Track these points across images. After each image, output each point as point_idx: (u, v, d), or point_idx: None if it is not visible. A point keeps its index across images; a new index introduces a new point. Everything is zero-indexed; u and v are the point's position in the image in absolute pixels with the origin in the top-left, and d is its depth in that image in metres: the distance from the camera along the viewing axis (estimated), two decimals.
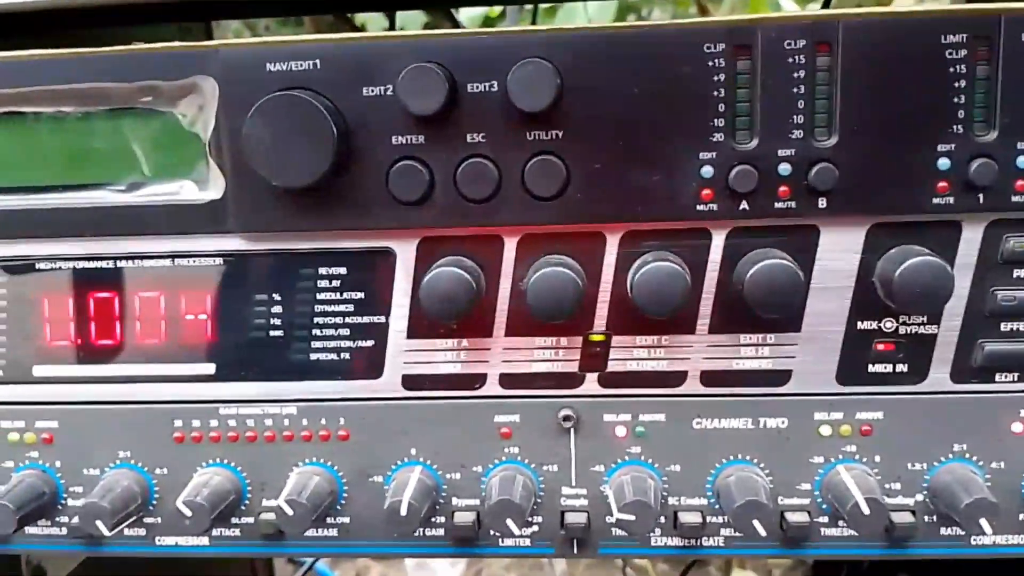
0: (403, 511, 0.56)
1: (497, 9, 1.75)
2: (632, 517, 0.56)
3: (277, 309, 0.59)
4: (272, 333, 0.59)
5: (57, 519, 0.63)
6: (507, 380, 0.59)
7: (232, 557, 1.35)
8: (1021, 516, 0.58)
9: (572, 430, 0.59)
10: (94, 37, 0.61)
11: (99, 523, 0.57)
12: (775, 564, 2.48)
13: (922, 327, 0.57)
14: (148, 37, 0.76)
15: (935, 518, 0.59)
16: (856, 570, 1.50)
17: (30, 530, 0.63)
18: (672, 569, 2.52)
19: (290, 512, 0.57)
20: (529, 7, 1.59)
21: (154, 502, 0.62)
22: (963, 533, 0.59)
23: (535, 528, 0.60)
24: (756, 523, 0.55)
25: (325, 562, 2.51)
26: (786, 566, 2.42)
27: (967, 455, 0.57)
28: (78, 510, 0.60)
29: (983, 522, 0.54)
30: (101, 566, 1.00)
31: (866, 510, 0.54)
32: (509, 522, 0.56)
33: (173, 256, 0.59)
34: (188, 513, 0.57)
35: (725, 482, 0.58)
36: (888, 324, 0.57)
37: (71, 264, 0.60)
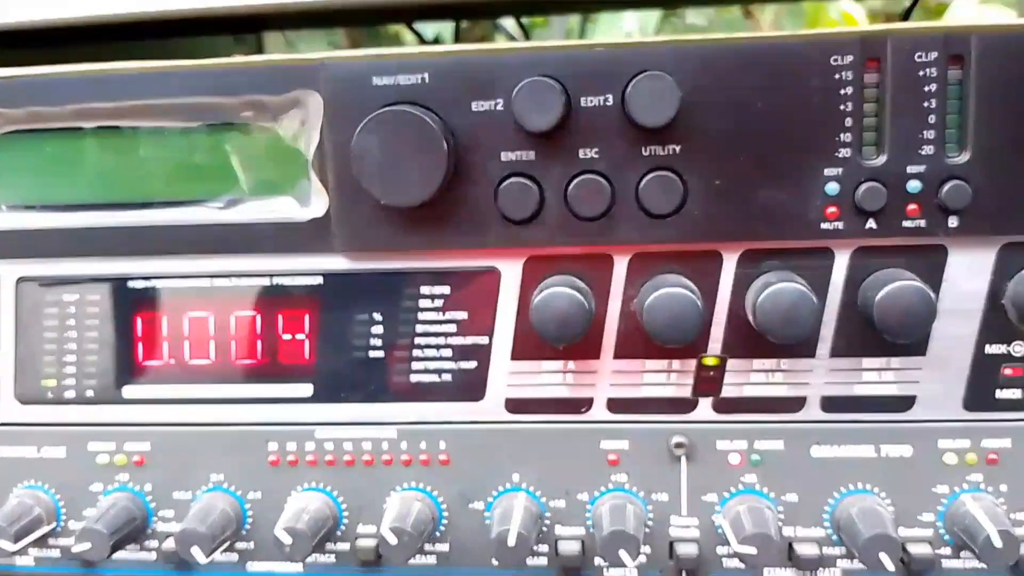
0: (511, 541, 0.54)
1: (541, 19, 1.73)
2: (753, 550, 0.53)
3: (377, 329, 0.57)
4: (372, 354, 0.58)
5: (146, 544, 0.61)
6: (615, 404, 0.57)
7: None
8: None
9: (684, 457, 0.57)
10: (149, 49, 0.59)
11: (196, 549, 0.56)
12: None
13: None
14: (202, 50, 0.75)
15: None
16: None
17: (118, 556, 0.61)
18: None
19: (394, 541, 0.55)
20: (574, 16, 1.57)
21: (247, 527, 0.60)
22: None
23: (642, 559, 0.58)
24: (884, 556, 0.52)
25: None
26: None
27: None
28: (174, 535, 0.58)
29: None
30: None
31: (998, 543, 0.52)
32: (623, 553, 0.54)
33: (272, 275, 0.57)
34: (288, 540, 0.55)
35: (847, 513, 0.55)
36: (1018, 348, 0.54)
37: (165, 282, 0.58)
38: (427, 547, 0.59)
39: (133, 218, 0.57)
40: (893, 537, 0.53)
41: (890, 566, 0.52)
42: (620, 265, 0.55)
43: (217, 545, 0.57)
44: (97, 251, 0.58)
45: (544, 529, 0.58)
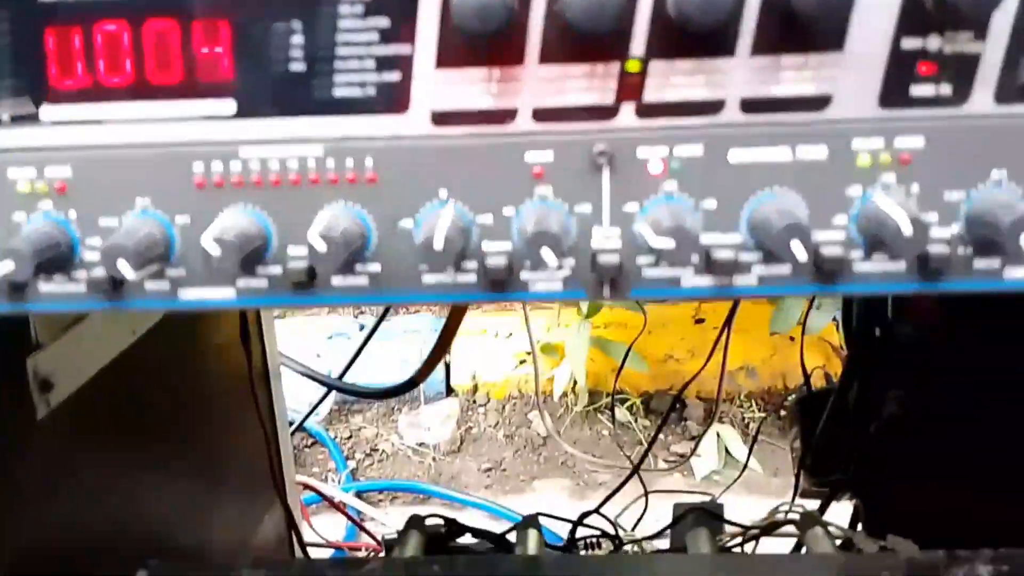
0: (437, 245, 0.55)
1: None
2: (671, 242, 0.55)
3: (297, 39, 0.56)
4: (293, 66, 0.57)
5: (74, 275, 0.61)
6: (540, 114, 0.57)
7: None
8: None
9: (606, 166, 0.58)
10: None
11: (123, 263, 0.55)
12: (751, 418, 2.56)
13: (968, 44, 0.55)
14: None
15: (970, 251, 0.58)
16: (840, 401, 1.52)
17: (45, 288, 0.61)
18: (652, 423, 2.60)
19: (324, 248, 0.55)
20: None
21: (176, 253, 0.60)
22: (997, 267, 0.59)
23: (567, 272, 0.60)
24: (796, 244, 0.54)
25: (318, 423, 2.55)
26: (760, 419, 2.50)
27: (1007, 181, 0.57)
28: (99, 254, 0.58)
29: None
30: (111, 378, 1.00)
31: (907, 231, 0.54)
32: (546, 251, 0.55)
33: None
34: (216, 251, 0.55)
35: (762, 213, 0.57)
36: (933, 42, 0.55)
37: None
38: (358, 267, 0.60)
39: None
40: (805, 227, 0.54)
41: (801, 255, 0.54)
42: None
43: (145, 262, 0.57)
44: None
45: (472, 245, 0.59)
